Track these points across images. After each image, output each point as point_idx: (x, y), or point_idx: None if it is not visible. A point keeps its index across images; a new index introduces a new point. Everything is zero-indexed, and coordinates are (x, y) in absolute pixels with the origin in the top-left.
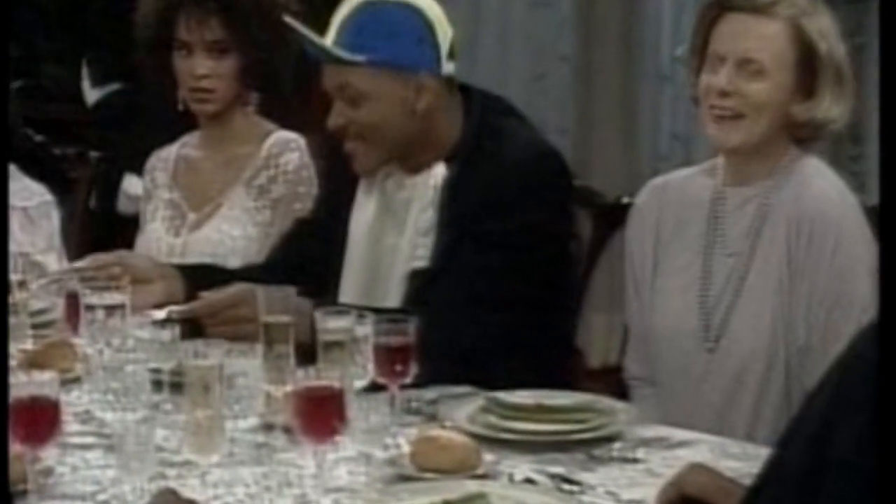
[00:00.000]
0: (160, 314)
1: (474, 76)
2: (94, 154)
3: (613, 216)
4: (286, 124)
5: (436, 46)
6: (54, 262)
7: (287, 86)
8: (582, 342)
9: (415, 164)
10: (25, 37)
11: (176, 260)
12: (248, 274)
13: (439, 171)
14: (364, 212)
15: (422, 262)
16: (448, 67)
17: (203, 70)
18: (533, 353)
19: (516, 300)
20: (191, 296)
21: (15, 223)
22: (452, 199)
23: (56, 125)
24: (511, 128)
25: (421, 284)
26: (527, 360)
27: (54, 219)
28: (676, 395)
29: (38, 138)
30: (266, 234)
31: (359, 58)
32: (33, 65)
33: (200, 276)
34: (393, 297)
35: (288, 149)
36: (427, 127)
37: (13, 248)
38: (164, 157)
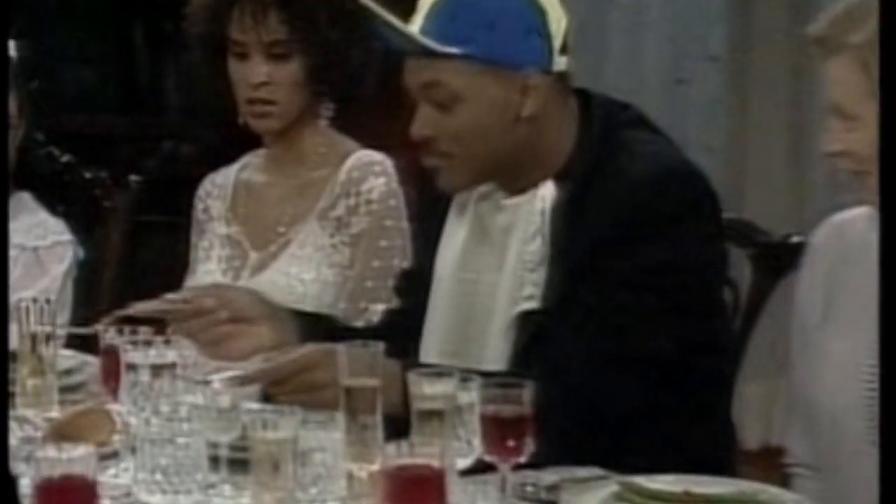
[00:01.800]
0: (218, 378)
1: (597, 79)
2: (134, 178)
3: (779, 259)
4: (369, 142)
5: (546, 38)
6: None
7: (368, 94)
8: (737, 415)
9: (517, 183)
10: (39, 32)
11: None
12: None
13: (547, 192)
14: (453, 242)
15: (531, 304)
16: (560, 63)
17: (260, 77)
18: (676, 426)
19: (654, 359)
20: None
21: (19, 266)
22: (567, 228)
23: (87, 141)
24: (641, 141)
25: (534, 334)
26: (669, 436)
27: (65, 263)
28: (842, 487)
29: (65, 158)
30: (345, 278)
31: (452, 50)
32: (52, 66)
33: (318, 328)
34: (492, 348)
35: (371, 172)
36: (533, 137)
37: (13, 296)
38: (221, 183)
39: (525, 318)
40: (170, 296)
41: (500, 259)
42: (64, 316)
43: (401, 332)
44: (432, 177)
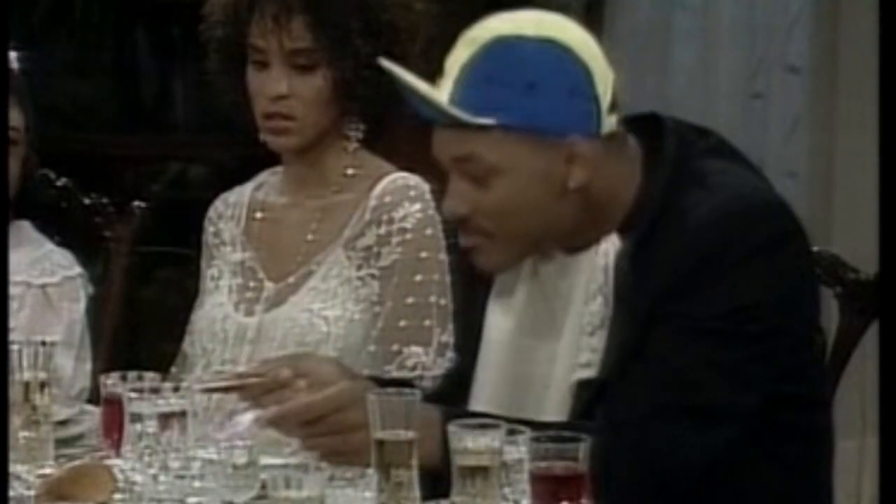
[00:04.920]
0: (244, 419)
1: (660, 95)
2: (138, 204)
3: (870, 299)
4: (404, 165)
5: (593, 99)
6: (69, 363)
7: (404, 114)
8: None
9: (574, 245)
10: (31, 41)
11: (247, 348)
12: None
13: (610, 248)
14: (506, 304)
15: (588, 372)
16: (610, 124)
17: (280, 89)
18: (758, 488)
19: (731, 413)
20: None
21: (27, 307)
22: (632, 279)
23: (86, 163)
24: (716, 172)
25: (592, 399)
26: (753, 499)
27: (81, 302)
28: None
29: (62, 182)
30: (374, 316)
31: (487, 121)
32: (45, 79)
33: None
34: (548, 416)
35: (406, 198)
36: (585, 205)
37: (19, 337)
38: (234, 203)
39: (582, 387)
40: (241, 370)
41: (559, 324)
42: (86, 365)
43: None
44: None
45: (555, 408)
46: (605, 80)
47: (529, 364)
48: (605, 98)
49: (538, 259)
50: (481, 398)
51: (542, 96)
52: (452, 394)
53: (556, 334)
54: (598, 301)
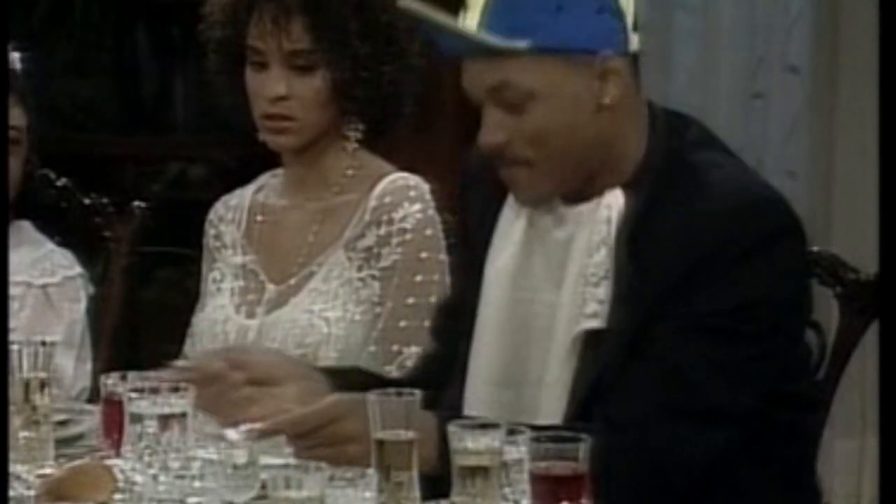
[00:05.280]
0: (234, 434)
1: (660, 93)
2: (138, 205)
3: (870, 299)
4: (403, 165)
5: (619, 14)
6: (69, 363)
7: (403, 115)
8: (823, 475)
9: (583, 190)
10: (30, 41)
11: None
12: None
13: (613, 201)
14: (502, 260)
15: (595, 322)
16: (635, 42)
17: (279, 90)
18: (756, 488)
19: (731, 412)
20: None
21: (28, 308)
22: (638, 243)
23: (86, 164)
24: (714, 164)
25: (599, 373)
26: (747, 499)
27: (81, 302)
28: None
29: (62, 182)
30: (374, 317)
31: (520, 44)
32: (45, 79)
33: (351, 383)
34: (551, 375)
35: (406, 198)
36: (615, 130)
37: (20, 337)
38: (234, 205)
39: (589, 339)
40: (179, 363)
41: (559, 274)
42: (86, 365)
43: (441, 382)
44: (482, 188)
45: (558, 362)
46: None
47: (528, 318)
48: (629, 14)
49: (536, 210)
50: (482, 356)
51: (571, 15)
52: (425, 379)
53: (555, 285)
54: (602, 252)
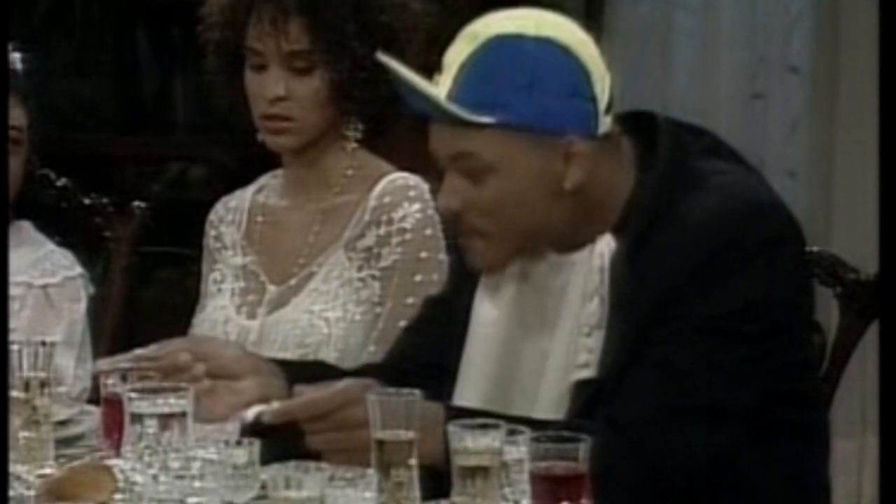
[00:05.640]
0: (249, 414)
1: (661, 94)
2: (138, 205)
3: (870, 299)
4: (403, 165)
5: (591, 100)
6: (70, 364)
7: (402, 114)
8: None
9: (568, 244)
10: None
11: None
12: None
13: (605, 247)
14: (494, 298)
15: (586, 372)
16: (605, 125)
17: (278, 91)
18: (761, 488)
19: (732, 413)
20: None
21: (28, 308)
22: (630, 281)
23: (86, 164)
24: (713, 172)
25: (591, 399)
26: (751, 497)
27: (82, 302)
28: None
29: (62, 182)
30: (375, 317)
31: (485, 119)
32: (45, 79)
33: (310, 378)
34: (537, 415)
35: (405, 198)
36: (581, 206)
37: (20, 337)
38: (234, 207)
39: (580, 387)
40: (139, 351)
41: (551, 322)
42: (86, 365)
43: (418, 372)
44: (463, 254)
45: (545, 407)
46: (602, 80)
47: (518, 361)
48: (603, 99)
49: (528, 259)
50: (470, 383)
51: (540, 95)
52: (388, 369)
53: (547, 333)
54: (594, 302)
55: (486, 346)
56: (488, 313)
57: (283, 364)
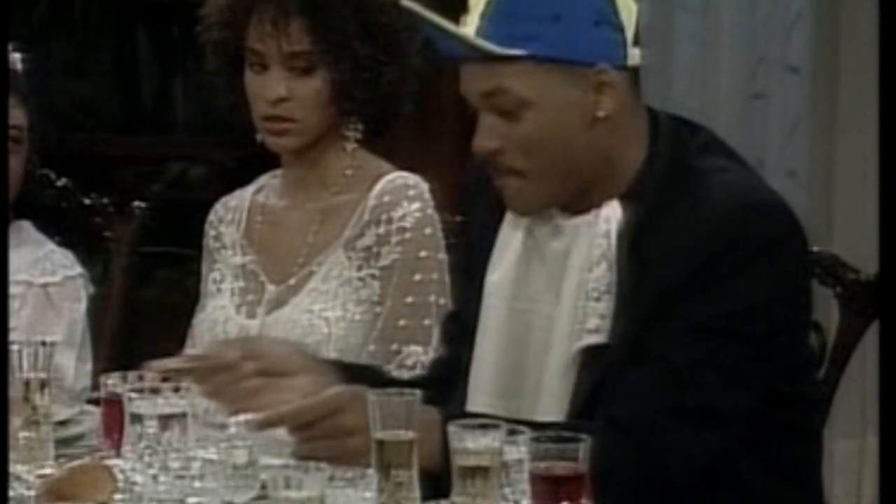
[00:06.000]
0: (235, 422)
1: (661, 93)
2: (138, 205)
3: (870, 300)
4: (403, 164)
5: (619, 28)
6: (70, 363)
7: (402, 114)
8: (823, 474)
9: (581, 202)
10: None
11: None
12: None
13: (612, 213)
14: (503, 268)
15: (596, 338)
16: (634, 57)
17: (279, 92)
18: (758, 489)
19: (732, 413)
20: None
21: (28, 307)
22: (636, 262)
23: (86, 164)
24: (716, 170)
25: (599, 380)
26: (749, 498)
27: (82, 302)
28: None
29: (62, 182)
30: (374, 316)
31: (516, 51)
32: (44, 79)
33: (363, 380)
34: (549, 388)
35: (405, 197)
36: (609, 143)
37: (20, 337)
38: (234, 207)
39: (589, 354)
40: (190, 352)
41: (556, 287)
42: (86, 365)
43: (447, 387)
44: (484, 198)
45: (557, 376)
46: (629, 10)
47: (527, 329)
48: (630, 27)
49: (534, 220)
50: (482, 364)
51: (569, 26)
52: (433, 383)
53: (554, 298)
54: (602, 266)
55: (495, 315)
56: (497, 283)
57: (336, 365)
